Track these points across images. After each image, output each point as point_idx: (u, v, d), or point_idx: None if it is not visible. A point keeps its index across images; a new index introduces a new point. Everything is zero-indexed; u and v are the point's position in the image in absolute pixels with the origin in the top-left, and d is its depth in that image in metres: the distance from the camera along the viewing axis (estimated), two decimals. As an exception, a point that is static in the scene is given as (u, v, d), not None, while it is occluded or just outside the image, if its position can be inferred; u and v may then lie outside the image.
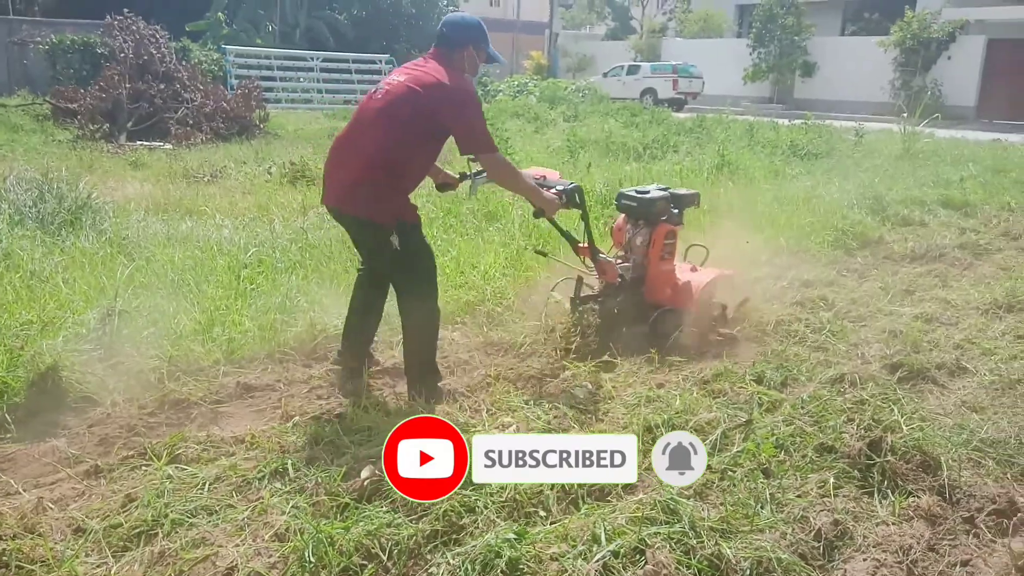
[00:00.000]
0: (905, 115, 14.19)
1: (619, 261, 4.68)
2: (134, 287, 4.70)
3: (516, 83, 27.54)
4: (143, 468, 3.08)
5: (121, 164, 10.44)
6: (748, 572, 2.47)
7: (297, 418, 3.46)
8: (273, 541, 2.55)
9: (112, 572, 2.42)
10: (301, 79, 24.07)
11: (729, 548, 2.53)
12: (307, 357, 4.25)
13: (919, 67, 26.35)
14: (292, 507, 2.70)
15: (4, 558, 2.39)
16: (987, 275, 6.40)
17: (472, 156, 3.64)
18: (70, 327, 4.05)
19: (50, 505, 2.80)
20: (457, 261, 5.80)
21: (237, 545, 2.52)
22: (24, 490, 2.91)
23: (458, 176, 4.18)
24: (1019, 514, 3.04)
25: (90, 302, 4.41)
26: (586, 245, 4.48)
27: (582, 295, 4.59)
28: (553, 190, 4.07)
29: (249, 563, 2.40)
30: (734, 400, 3.77)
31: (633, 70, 30.33)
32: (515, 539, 2.44)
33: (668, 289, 4.61)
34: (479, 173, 4.13)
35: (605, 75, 30.87)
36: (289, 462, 3.01)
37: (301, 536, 2.50)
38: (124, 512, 2.74)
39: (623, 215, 4.82)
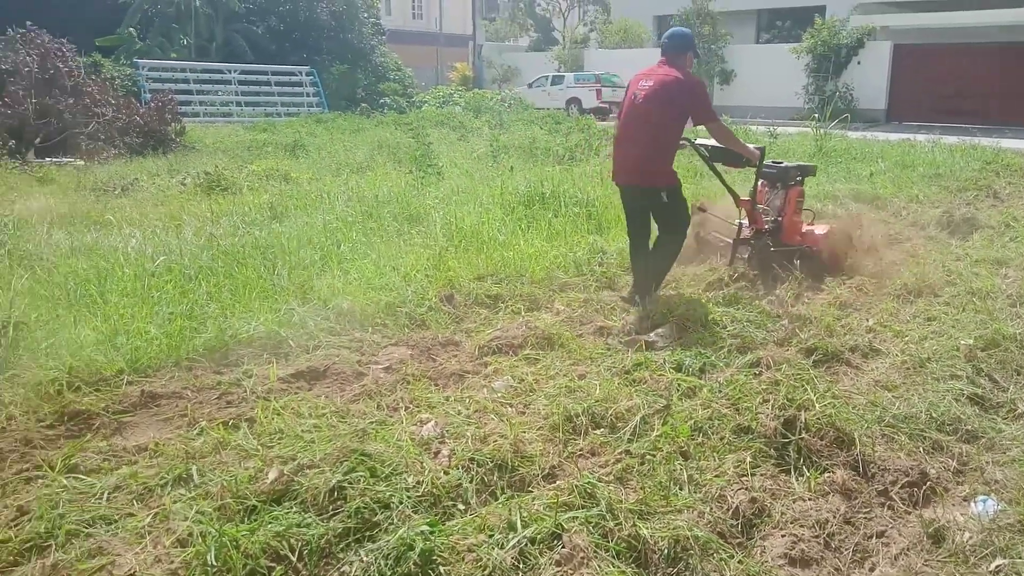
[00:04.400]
0: (816, 116, 14.67)
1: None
2: (33, 299, 4.46)
3: (441, 94, 27.49)
4: (38, 480, 2.90)
5: (27, 180, 9.98)
6: (666, 551, 2.46)
7: (204, 423, 3.32)
8: (175, 547, 2.42)
9: (-4, 590, 2.26)
10: (219, 92, 23.49)
11: (647, 529, 2.52)
12: (217, 364, 4.09)
13: (830, 72, 27.33)
14: (195, 512, 2.57)
15: None
16: (897, 263, 6.61)
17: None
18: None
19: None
20: (377, 264, 5.69)
21: (136, 553, 2.39)
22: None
23: (684, 142, 5.49)
24: (928, 483, 3.13)
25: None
26: (747, 199, 5.79)
27: (740, 238, 5.97)
28: (753, 147, 5.54)
29: (148, 570, 2.27)
30: (654, 387, 3.78)
31: (557, 80, 30.65)
32: (428, 531, 2.38)
33: (798, 236, 6.14)
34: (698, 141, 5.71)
35: (530, 85, 31.11)
36: (194, 468, 2.88)
37: (204, 540, 2.38)
38: (15, 526, 2.57)
39: (763, 180, 6.12)
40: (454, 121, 19.24)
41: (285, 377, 3.91)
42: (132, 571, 2.28)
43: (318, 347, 4.37)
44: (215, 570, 2.29)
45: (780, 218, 6.05)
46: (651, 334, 4.64)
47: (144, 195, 8.85)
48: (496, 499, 2.78)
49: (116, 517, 2.62)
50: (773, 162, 6.15)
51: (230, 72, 24.02)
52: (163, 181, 9.66)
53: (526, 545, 2.40)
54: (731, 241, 6.00)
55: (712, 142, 5.58)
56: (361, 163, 11.37)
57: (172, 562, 2.34)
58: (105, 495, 2.73)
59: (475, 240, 6.48)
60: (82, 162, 12.36)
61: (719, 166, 5.86)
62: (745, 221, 5.91)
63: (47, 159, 12.49)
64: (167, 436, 3.27)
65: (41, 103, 13.64)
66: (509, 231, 6.78)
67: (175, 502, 2.67)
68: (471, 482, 2.86)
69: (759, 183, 5.95)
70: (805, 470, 3.11)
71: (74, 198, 8.45)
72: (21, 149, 12.73)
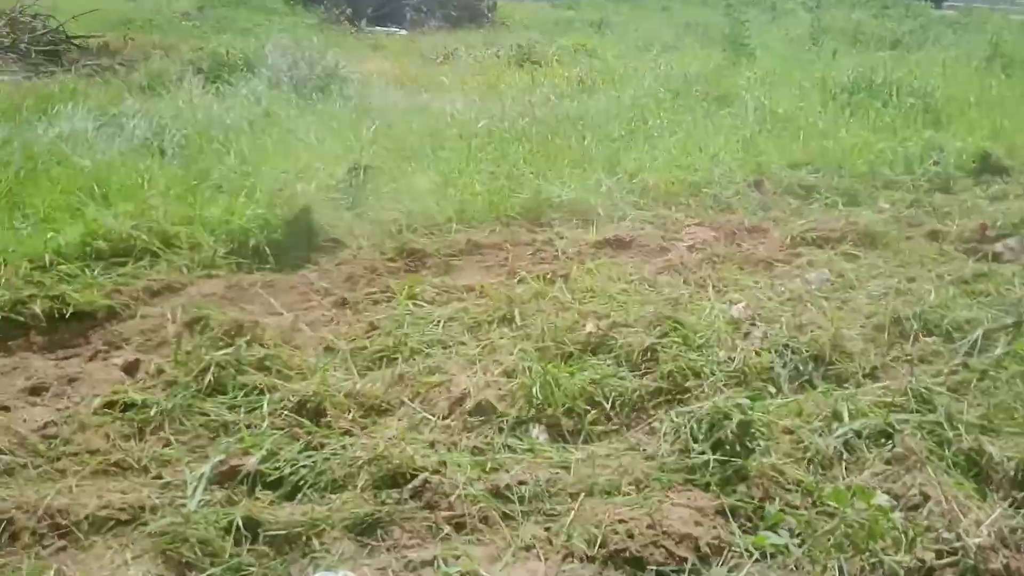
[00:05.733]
0: None
1: None
2: (377, 148, 4.94)
3: (753, -27, 25.49)
4: (384, 303, 3.28)
5: (362, 46, 10.95)
6: (1013, 473, 2.21)
7: (524, 274, 3.51)
8: (502, 376, 2.63)
9: (357, 386, 2.61)
10: (528, -31, 23.78)
11: (993, 446, 2.27)
12: (531, 223, 4.29)
13: None
14: (519, 350, 2.76)
15: (267, 363, 2.65)
16: None
17: None
18: (321, 178, 4.35)
19: (304, 326, 3.07)
20: (683, 142, 5.55)
21: (469, 376, 2.62)
22: (283, 311, 3.20)
23: None
24: None
25: (338, 158, 4.69)
26: None
27: None
28: None
29: (481, 392, 2.49)
30: (999, 302, 3.34)
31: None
32: (749, 405, 2.33)
33: None
34: None
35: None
36: (516, 311, 3.07)
37: (529, 374, 2.55)
38: (368, 337, 2.95)
39: None
40: (764, 2, 17.80)
41: (593, 243, 4.00)
42: (466, 390, 2.52)
43: (623, 218, 4.40)
44: (538, 402, 2.46)
45: None
46: (998, 244, 4.08)
47: (462, 65, 9.34)
48: (813, 388, 2.66)
49: (450, 343, 2.90)
50: None
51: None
52: (479, 52, 10.10)
53: (851, 437, 2.29)
54: None
55: None
56: (668, 42, 11.01)
57: (500, 389, 2.55)
58: (441, 323, 3.03)
59: (790, 126, 6.05)
60: (406, 32, 13.31)
61: None
62: None
63: (376, 27, 13.61)
64: (490, 281, 3.51)
65: (374, -26, 14.76)
66: (829, 119, 6.24)
67: (501, 338, 2.88)
68: (784, 367, 2.76)
69: None
70: None
71: (404, 63, 9.15)
72: (356, 17, 13.97)
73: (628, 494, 2.13)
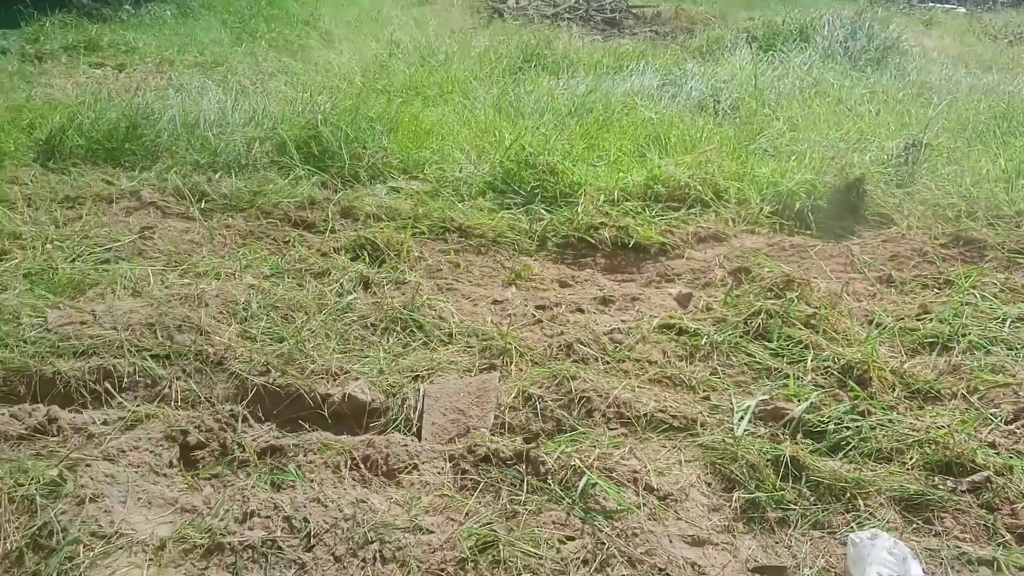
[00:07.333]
0: None
1: None
2: (936, 127, 4.54)
3: None
4: (935, 289, 3.04)
5: (914, 21, 10.08)
6: None
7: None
8: None
9: (904, 365, 2.48)
10: None
11: None
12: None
13: None
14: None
15: (813, 321, 2.65)
16: None
17: None
18: (873, 151, 4.16)
19: (847, 295, 3.00)
20: None
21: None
22: (829, 276, 3.17)
23: None
24: None
25: (891, 133, 4.44)
26: None
27: None
28: None
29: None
30: None
31: None
32: None
33: None
34: None
35: None
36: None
37: None
38: (918, 320, 2.76)
39: None
40: None
41: None
42: None
43: None
44: None
45: None
46: None
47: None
48: None
49: (1018, 345, 2.57)
50: None
51: None
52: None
53: None
54: None
55: None
56: None
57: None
58: (1007, 322, 2.69)
59: None
60: (965, 10, 11.91)
61: None
62: None
63: (933, 3, 12.39)
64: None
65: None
66: None
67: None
68: None
69: None
70: None
71: (966, 41, 8.20)
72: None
73: None
